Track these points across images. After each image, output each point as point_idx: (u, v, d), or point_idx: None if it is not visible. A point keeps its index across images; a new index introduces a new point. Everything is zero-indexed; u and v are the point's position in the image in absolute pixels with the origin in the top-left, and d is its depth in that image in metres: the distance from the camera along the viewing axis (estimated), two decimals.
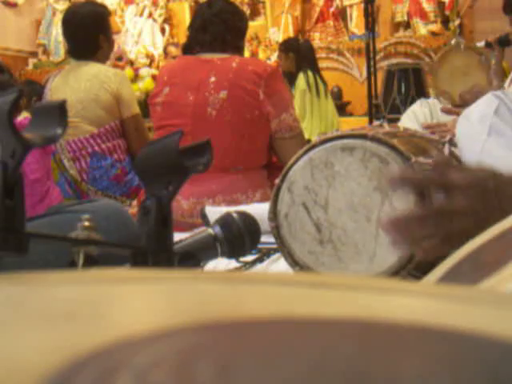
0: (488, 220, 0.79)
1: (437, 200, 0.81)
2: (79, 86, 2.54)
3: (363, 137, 0.92)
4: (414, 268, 0.90)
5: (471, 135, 1.27)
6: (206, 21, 2.12)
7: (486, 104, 1.30)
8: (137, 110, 2.62)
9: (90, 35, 2.58)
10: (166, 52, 7.09)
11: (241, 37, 2.19)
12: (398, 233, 0.81)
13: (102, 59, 2.65)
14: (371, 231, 0.91)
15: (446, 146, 1.06)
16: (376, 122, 1.08)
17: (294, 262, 0.97)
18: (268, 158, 2.14)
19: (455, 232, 0.80)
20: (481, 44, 2.88)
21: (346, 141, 0.93)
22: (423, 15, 6.98)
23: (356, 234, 0.92)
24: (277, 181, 0.97)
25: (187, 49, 2.20)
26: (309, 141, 3.65)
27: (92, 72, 2.55)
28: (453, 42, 2.31)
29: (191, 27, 2.21)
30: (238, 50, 2.15)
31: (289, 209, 0.96)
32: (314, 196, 0.95)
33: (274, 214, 0.97)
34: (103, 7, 2.85)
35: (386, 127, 1.04)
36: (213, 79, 2.01)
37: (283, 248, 0.97)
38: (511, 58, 4.11)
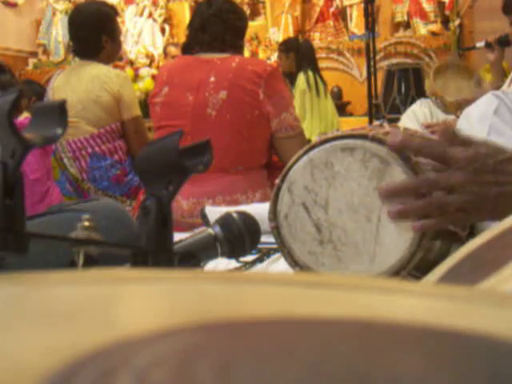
0: (484, 198, 0.81)
1: (433, 174, 0.83)
2: (81, 86, 2.54)
3: (363, 137, 0.92)
4: (414, 268, 0.90)
5: (471, 135, 1.27)
6: (205, 20, 2.12)
7: (485, 104, 1.30)
8: (138, 111, 2.61)
9: (91, 35, 2.57)
10: (165, 52, 7.09)
11: (240, 36, 2.18)
12: (395, 202, 0.84)
13: (106, 60, 2.64)
14: (371, 231, 0.91)
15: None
16: (376, 122, 1.08)
17: (293, 262, 0.97)
18: (268, 158, 2.14)
19: (451, 206, 0.82)
20: (481, 44, 2.88)
21: (346, 141, 0.93)
22: (423, 15, 6.98)
23: (356, 235, 0.92)
24: (277, 181, 0.97)
25: (187, 48, 2.20)
26: (309, 141, 3.66)
27: (94, 73, 2.55)
28: (449, 60, 2.36)
29: (190, 26, 2.20)
30: (238, 49, 2.14)
31: (289, 209, 0.96)
32: (314, 196, 0.95)
33: (273, 214, 0.97)
34: (109, 7, 2.82)
35: (387, 127, 1.04)
36: (212, 79, 2.01)
37: (283, 248, 0.97)
38: (511, 58, 4.11)
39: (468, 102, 1.66)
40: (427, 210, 0.83)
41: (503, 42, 2.74)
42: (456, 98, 2.07)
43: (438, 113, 2.29)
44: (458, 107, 1.89)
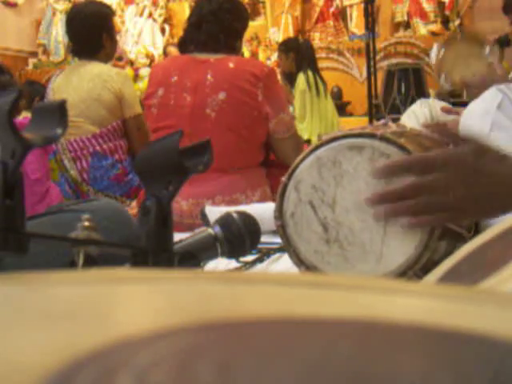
0: (468, 195, 0.82)
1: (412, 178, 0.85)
2: (82, 85, 2.54)
3: (372, 136, 0.92)
4: (420, 269, 0.90)
5: (474, 130, 1.27)
6: (202, 18, 2.10)
7: (489, 98, 1.30)
8: (139, 110, 2.61)
9: (93, 34, 2.57)
10: (165, 53, 7.09)
11: (236, 37, 2.16)
12: (380, 205, 0.85)
13: (105, 59, 2.65)
14: (378, 231, 0.91)
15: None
16: (381, 121, 1.07)
17: (299, 262, 0.96)
18: (264, 156, 2.14)
19: (435, 206, 0.83)
20: None
21: (354, 140, 0.93)
22: (423, 15, 6.98)
23: (363, 234, 0.92)
24: (283, 179, 0.97)
25: (182, 45, 2.18)
26: (309, 141, 3.64)
27: (95, 72, 2.55)
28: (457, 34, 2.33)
29: (188, 21, 2.19)
30: (233, 50, 2.12)
31: (295, 207, 0.95)
32: (321, 195, 0.94)
33: (279, 212, 0.96)
34: (107, 7, 2.85)
35: (393, 126, 1.03)
36: (210, 80, 2.00)
37: (289, 247, 0.97)
38: (511, 58, 4.10)
39: (474, 81, 1.67)
40: (412, 209, 0.85)
41: (503, 42, 2.74)
42: (463, 74, 2.05)
43: (438, 113, 2.28)
44: (463, 85, 1.88)
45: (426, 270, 0.88)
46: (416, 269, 0.90)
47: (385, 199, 0.85)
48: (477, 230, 1.03)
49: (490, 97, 1.30)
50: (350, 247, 0.92)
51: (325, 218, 0.94)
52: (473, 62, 2.18)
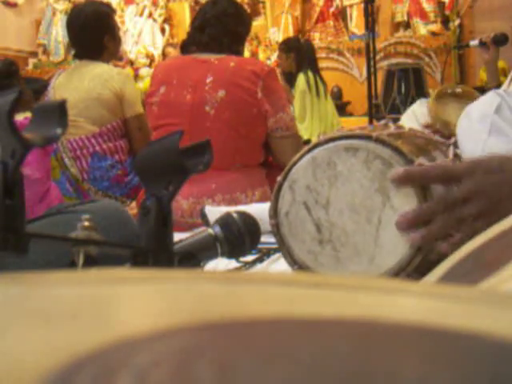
0: (499, 198, 0.79)
1: (438, 192, 0.82)
2: (82, 85, 2.54)
3: (367, 138, 0.92)
4: (413, 270, 0.90)
5: (472, 134, 1.27)
6: (206, 21, 2.12)
7: (487, 102, 1.30)
8: (140, 109, 2.61)
9: (94, 37, 2.57)
10: (164, 53, 7.09)
11: (239, 41, 2.18)
12: (411, 230, 0.82)
13: (108, 58, 2.64)
14: (371, 233, 0.91)
15: (451, 148, 1.06)
16: (381, 122, 1.07)
17: (292, 261, 0.96)
18: (265, 156, 2.15)
19: (468, 218, 0.79)
20: (474, 42, 2.86)
21: (349, 141, 0.93)
22: (423, 15, 6.98)
23: (356, 236, 0.92)
24: (279, 178, 0.97)
25: (185, 46, 2.20)
26: (309, 141, 3.65)
27: (95, 71, 2.55)
28: (449, 90, 2.30)
29: (192, 24, 2.21)
30: (236, 53, 2.14)
31: (290, 207, 0.96)
32: (315, 195, 0.94)
33: (274, 211, 0.97)
34: (107, 6, 2.83)
35: (392, 127, 1.03)
36: (210, 79, 2.01)
37: (282, 246, 0.97)
38: (511, 57, 4.11)
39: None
40: (447, 227, 0.81)
41: (499, 41, 2.72)
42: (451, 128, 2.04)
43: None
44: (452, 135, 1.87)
45: (423, 270, 0.88)
46: (409, 270, 0.90)
47: (417, 221, 0.82)
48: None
49: (488, 100, 1.30)
50: (342, 248, 0.93)
51: (318, 219, 0.94)
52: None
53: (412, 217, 0.83)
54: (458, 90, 2.36)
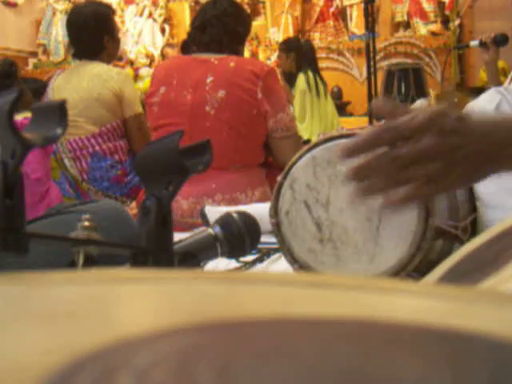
0: (453, 162, 0.71)
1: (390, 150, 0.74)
2: (82, 85, 2.54)
3: None
4: (413, 270, 0.90)
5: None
6: (207, 21, 2.12)
7: (487, 100, 1.30)
8: (140, 109, 2.61)
9: (94, 37, 2.57)
10: (163, 54, 7.09)
11: (239, 41, 2.19)
12: (361, 180, 0.74)
13: (107, 59, 2.65)
14: (372, 232, 0.91)
15: None
16: (382, 122, 1.07)
17: (293, 260, 0.96)
18: (264, 157, 2.15)
19: (421, 177, 0.71)
20: (475, 43, 2.86)
21: (349, 140, 0.93)
22: (423, 15, 6.98)
23: (356, 234, 0.92)
24: (279, 177, 0.97)
25: (185, 46, 2.20)
26: (308, 141, 3.66)
27: (95, 71, 2.55)
28: (449, 89, 2.29)
29: (192, 24, 2.22)
30: (236, 53, 2.15)
31: (290, 206, 0.96)
32: (315, 194, 0.94)
33: (275, 210, 0.97)
34: (106, 7, 2.83)
35: None
36: (210, 79, 2.01)
37: (283, 245, 0.97)
38: (511, 57, 4.11)
39: None
40: (383, 163, 0.73)
41: (499, 42, 2.72)
42: None
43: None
44: None
45: (421, 270, 0.88)
46: (409, 269, 0.90)
47: (362, 174, 0.74)
48: (474, 231, 1.03)
49: (489, 97, 1.30)
50: (343, 247, 0.93)
51: (319, 218, 0.94)
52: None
53: (355, 167, 0.73)
54: (455, 99, 2.36)
